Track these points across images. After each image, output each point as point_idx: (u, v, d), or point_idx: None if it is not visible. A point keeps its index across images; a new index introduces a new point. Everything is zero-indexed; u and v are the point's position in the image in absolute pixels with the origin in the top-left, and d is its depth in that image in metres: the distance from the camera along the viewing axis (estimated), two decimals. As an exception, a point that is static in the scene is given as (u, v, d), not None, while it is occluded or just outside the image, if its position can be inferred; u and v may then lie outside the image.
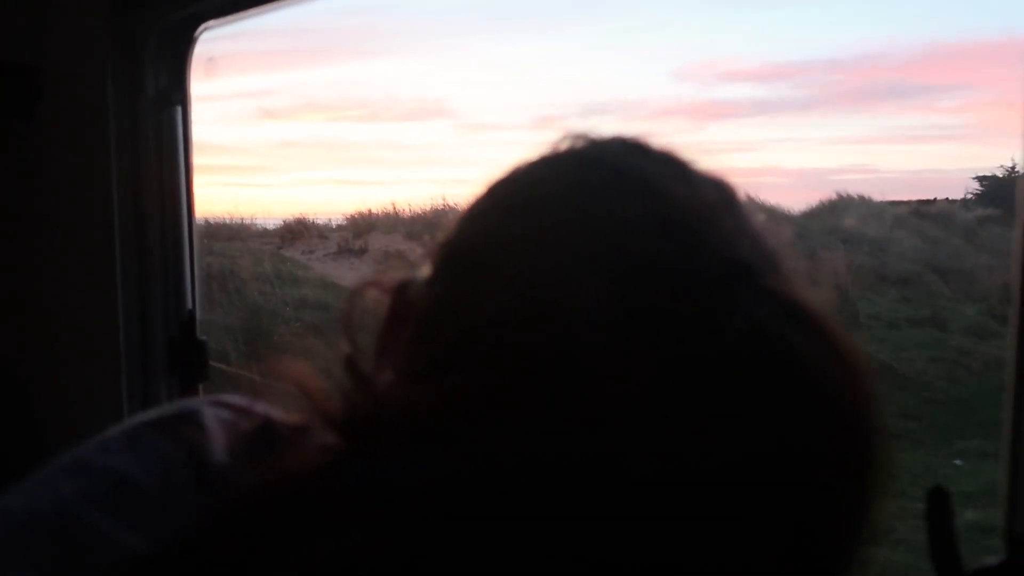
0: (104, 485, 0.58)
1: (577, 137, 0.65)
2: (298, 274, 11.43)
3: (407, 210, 13.18)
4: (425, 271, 0.62)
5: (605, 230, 0.54)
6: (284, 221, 13.05)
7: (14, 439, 1.72)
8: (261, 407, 0.66)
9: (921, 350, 9.02)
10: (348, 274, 11.99)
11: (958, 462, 6.92)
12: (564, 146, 0.64)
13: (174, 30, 1.51)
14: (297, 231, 13.11)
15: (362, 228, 13.18)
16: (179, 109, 1.53)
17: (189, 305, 1.57)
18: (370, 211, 13.41)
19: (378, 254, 12.45)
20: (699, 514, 0.47)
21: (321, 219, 13.40)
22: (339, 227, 13.44)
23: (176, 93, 1.53)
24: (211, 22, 1.48)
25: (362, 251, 12.62)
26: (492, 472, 0.48)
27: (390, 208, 13.40)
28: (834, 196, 12.61)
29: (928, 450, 7.34)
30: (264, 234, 12.84)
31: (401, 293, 0.64)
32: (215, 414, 0.64)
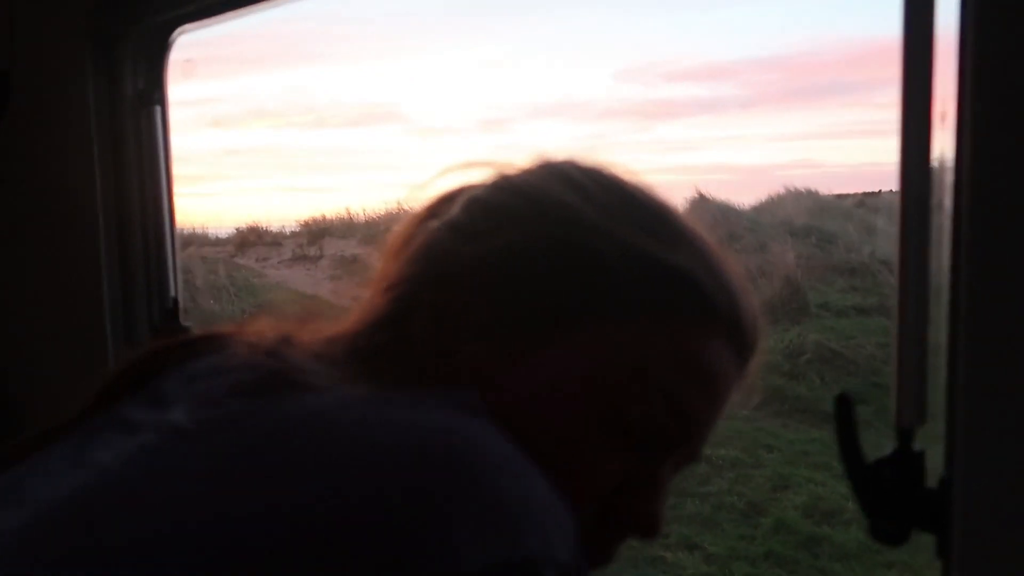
0: None
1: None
2: (254, 282, 11.40)
3: (361, 215, 13.21)
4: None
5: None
6: (237, 229, 12.94)
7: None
8: None
9: (869, 337, 9.24)
10: (304, 280, 11.97)
11: (905, 442, 7.15)
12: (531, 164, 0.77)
13: (151, 33, 1.60)
14: (250, 239, 13.06)
15: (316, 234, 13.16)
16: (157, 109, 1.62)
17: (172, 292, 1.66)
18: (324, 217, 13.41)
19: (334, 260, 12.44)
20: None
21: (274, 226, 13.38)
22: (293, 234, 13.40)
23: (154, 94, 1.62)
24: (187, 25, 1.58)
25: (317, 257, 12.61)
26: None
27: (344, 214, 13.41)
28: (782, 190, 12.90)
29: (877, 431, 7.55)
30: (216, 242, 12.75)
31: None
32: None
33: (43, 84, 1.70)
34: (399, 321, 0.68)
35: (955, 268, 0.76)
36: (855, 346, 8.97)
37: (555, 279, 0.67)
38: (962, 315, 0.74)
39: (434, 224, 0.73)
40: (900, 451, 0.75)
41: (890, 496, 0.75)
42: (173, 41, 1.61)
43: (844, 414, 0.77)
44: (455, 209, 0.73)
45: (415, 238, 0.74)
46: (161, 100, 1.64)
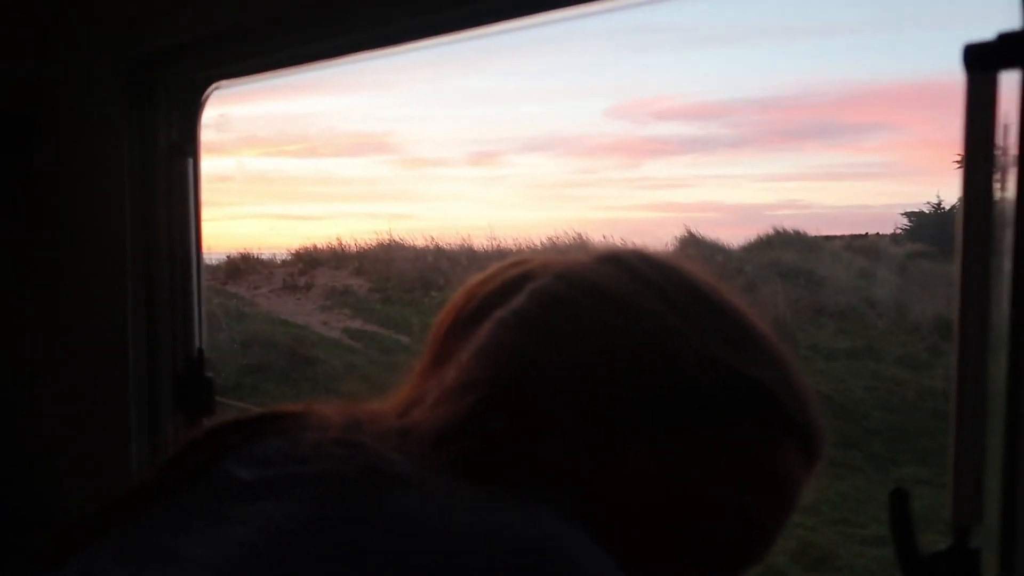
0: None
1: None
2: (244, 310, 11.35)
3: (352, 245, 13.19)
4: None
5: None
6: (228, 256, 12.89)
7: (20, 469, 1.78)
8: None
9: (858, 380, 9.26)
10: (296, 310, 11.93)
11: (895, 488, 7.12)
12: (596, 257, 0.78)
13: (187, 89, 1.63)
14: (241, 267, 13.00)
15: (307, 264, 13.12)
16: (190, 161, 1.64)
17: (197, 343, 1.67)
18: (315, 246, 13.38)
19: (324, 290, 12.41)
20: None
21: (265, 255, 13.33)
22: (284, 263, 13.35)
23: (187, 146, 1.64)
24: (223, 82, 1.60)
25: (308, 287, 12.57)
26: None
27: (335, 243, 13.38)
28: (771, 231, 12.98)
29: (867, 477, 7.58)
30: (206, 269, 12.67)
31: None
32: None
33: (78, 132, 1.72)
34: (478, 423, 0.68)
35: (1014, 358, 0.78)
36: (844, 389, 8.98)
37: (638, 389, 0.67)
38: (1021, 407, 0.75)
39: (502, 315, 0.73)
40: (956, 548, 0.77)
41: (945, 591, 0.77)
42: (208, 96, 1.63)
43: (900, 507, 0.78)
44: (522, 301, 0.73)
45: (481, 324, 0.74)
46: (194, 152, 1.65)
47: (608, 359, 0.68)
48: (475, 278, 0.81)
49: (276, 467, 0.67)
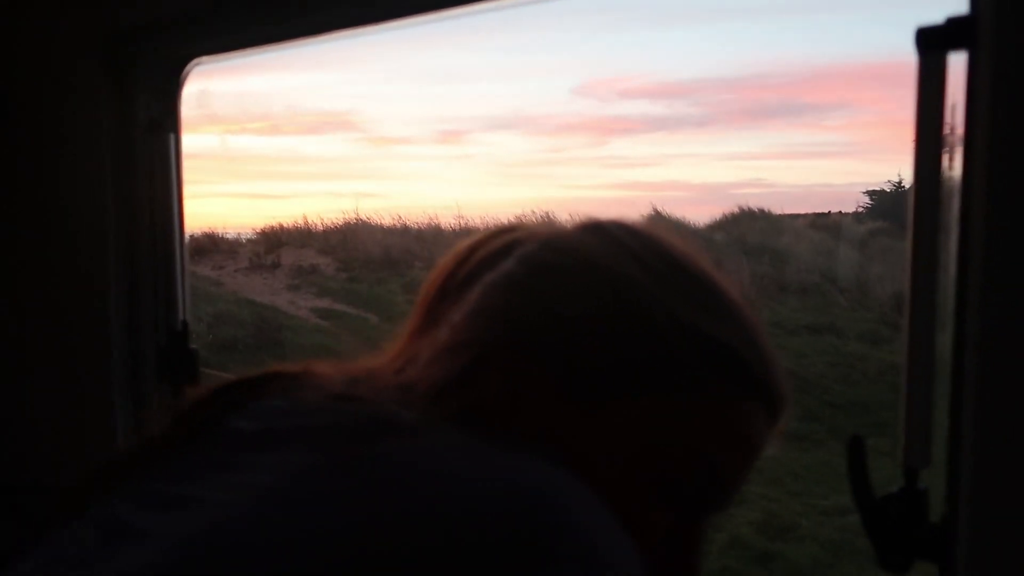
0: None
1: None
2: (210, 290, 11.25)
3: (319, 224, 13.11)
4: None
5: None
6: (192, 236, 12.75)
7: (9, 438, 1.80)
8: None
9: (820, 356, 9.44)
10: (263, 289, 11.84)
11: (856, 460, 7.28)
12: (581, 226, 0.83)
13: (167, 64, 1.65)
14: (206, 246, 12.87)
15: (273, 243, 13.02)
16: (171, 136, 1.66)
17: (181, 316, 1.70)
18: (281, 225, 13.28)
19: (291, 269, 12.33)
20: None
21: (230, 234, 13.20)
22: (249, 241, 13.23)
23: (168, 121, 1.66)
24: (203, 57, 1.62)
25: (274, 266, 12.48)
26: None
27: (301, 222, 13.29)
28: (736, 209, 13.13)
29: (829, 450, 7.75)
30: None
31: None
32: None
33: (57, 108, 1.73)
34: (472, 381, 0.73)
35: (960, 312, 0.85)
36: (807, 364, 9.14)
37: (616, 350, 0.72)
38: (967, 359, 0.82)
39: (492, 278, 0.78)
40: (906, 489, 0.84)
41: (897, 530, 0.84)
42: (189, 72, 1.65)
43: (855, 454, 0.85)
44: (512, 266, 0.78)
45: (471, 287, 0.79)
46: (174, 128, 1.67)
47: (590, 321, 0.73)
48: (464, 243, 0.86)
49: (280, 420, 0.71)
